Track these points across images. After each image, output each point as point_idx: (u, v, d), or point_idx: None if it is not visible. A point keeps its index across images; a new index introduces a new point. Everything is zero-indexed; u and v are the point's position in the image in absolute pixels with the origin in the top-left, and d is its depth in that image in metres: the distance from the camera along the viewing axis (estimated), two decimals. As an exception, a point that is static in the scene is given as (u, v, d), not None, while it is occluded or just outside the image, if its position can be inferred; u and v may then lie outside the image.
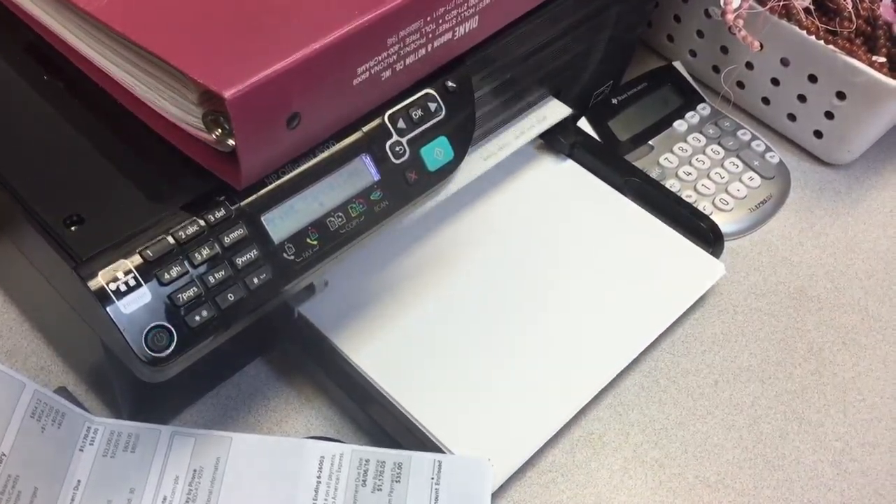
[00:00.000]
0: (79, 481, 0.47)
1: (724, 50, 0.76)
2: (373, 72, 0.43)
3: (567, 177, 0.67)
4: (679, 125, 0.74)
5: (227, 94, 0.37)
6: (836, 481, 0.56)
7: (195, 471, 0.48)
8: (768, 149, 0.73)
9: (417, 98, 0.48)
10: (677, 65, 0.78)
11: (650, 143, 0.72)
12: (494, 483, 0.51)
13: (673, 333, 0.62)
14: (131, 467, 0.48)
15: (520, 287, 0.59)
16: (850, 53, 0.67)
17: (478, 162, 0.56)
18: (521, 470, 0.53)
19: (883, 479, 0.56)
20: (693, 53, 0.79)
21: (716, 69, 0.77)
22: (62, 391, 0.51)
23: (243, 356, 0.57)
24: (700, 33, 0.77)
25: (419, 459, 0.50)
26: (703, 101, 0.76)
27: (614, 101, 0.73)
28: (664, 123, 0.74)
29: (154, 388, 0.48)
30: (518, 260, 0.61)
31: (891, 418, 0.59)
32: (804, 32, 0.68)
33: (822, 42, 0.67)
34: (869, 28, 0.69)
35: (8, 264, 0.55)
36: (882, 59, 0.67)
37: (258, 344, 0.57)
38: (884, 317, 0.65)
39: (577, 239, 0.63)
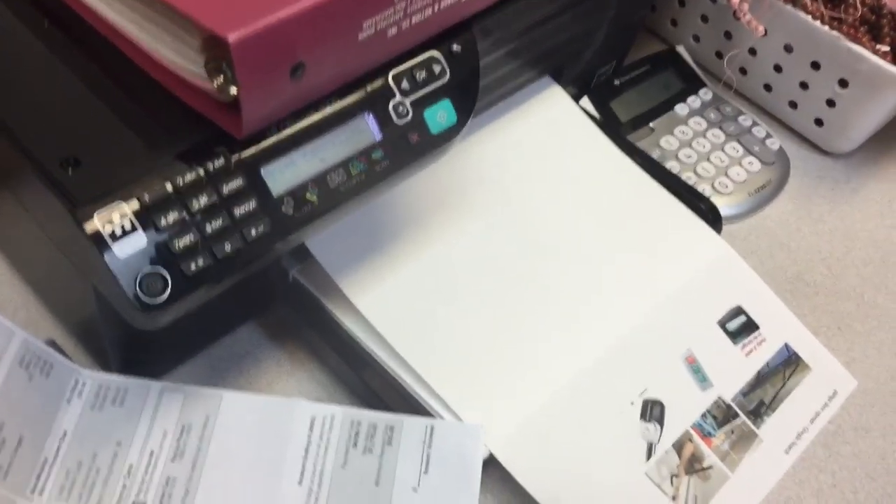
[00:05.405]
0: (65, 432, 0.46)
1: (728, 35, 0.75)
2: (379, 27, 0.43)
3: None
4: (680, 108, 0.74)
5: (232, 37, 0.36)
6: (828, 463, 0.56)
7: (184, 427, 0.48)
8: (769, 135, 0.73)
9: (422, 60, 0.48)
10: (680, 49, 0.77)
11: (651, 125, 0.72)
12: (485, 450, 0.50)
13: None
14: (119, 420, 0.47)
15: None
16: (855, 40, 0.67)
17: (780, 455, 0.55)
18: (513, 440, 0.53)
19: (875, 463, 0.56)
20: (696, 38, 0.79)
21: (719, 55, 0.77)
22: (51, 343, 0.50)
23: (236, 317, 0.56)
24: (704, 18, 0.77)
25: (411, 423, 0.49)
26: (704, 85, 0.76)
27: (617, 82, 0.73)
28: (666, 106, 0.74)
29: (144, 342, 0.48)
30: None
31: (883, 403, 0.59)
32: (809, 18, 0.68)
33: (826, 28, 0.67)
34: (873, 16, 0.69)
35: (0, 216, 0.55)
36: (886, 48, 0.67)
37: (251, 305, 0.57)
38: (879, 304, 0.65)
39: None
